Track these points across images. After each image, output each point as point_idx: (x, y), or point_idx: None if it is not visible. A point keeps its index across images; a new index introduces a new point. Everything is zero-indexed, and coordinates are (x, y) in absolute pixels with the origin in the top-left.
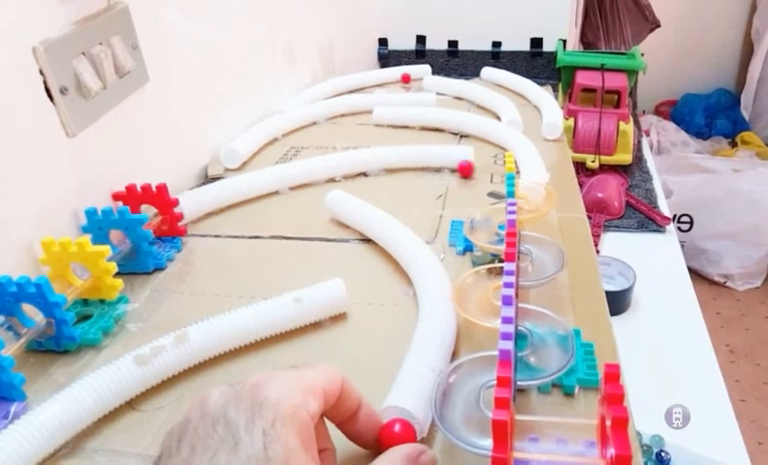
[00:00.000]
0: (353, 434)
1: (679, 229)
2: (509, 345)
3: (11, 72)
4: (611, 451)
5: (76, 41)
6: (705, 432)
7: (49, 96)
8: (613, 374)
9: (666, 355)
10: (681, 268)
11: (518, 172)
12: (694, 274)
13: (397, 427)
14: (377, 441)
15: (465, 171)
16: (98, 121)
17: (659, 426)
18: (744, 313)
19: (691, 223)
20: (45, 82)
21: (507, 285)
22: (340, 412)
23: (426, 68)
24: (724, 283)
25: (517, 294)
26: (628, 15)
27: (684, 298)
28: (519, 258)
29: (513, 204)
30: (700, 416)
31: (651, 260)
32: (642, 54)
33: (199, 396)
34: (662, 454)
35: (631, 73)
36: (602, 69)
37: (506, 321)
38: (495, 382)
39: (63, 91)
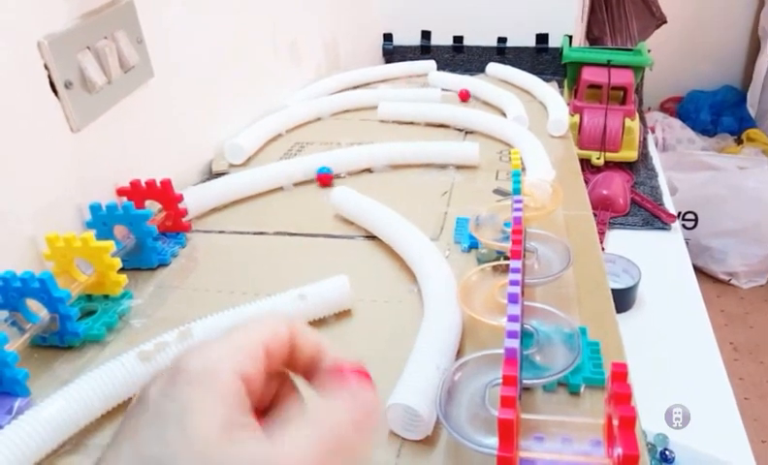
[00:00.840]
0: (322, 389)
1: (683, 226)
2: (515, 343)
3: (16, 66)
4: (618, 451)
5: (80, 35)
6: (709, 430)
7: (54, 90)
8: (620, 373)
9: (671, 352)
10: (686, 266)
11: (524, 169)
12: (699, 272)
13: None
14: None
15: (325, 181)
16: (102, 116)
17: (664, 425)
18: (748, 311)
19: (696, 220)
20: (49, 77)
21: (513, 283)
22: (298, 364)
23: (431, 63)
24: (729, 281)
25: (523, 292)
26: (635, 11)
27: (689, 296)
28: (525, 255)
29: (519, 201)
30: (704, 414)
31: (656, 257)
32: (648, 50)
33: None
34: (667, 453)
35: (638, 69)
36: (608, 65)
37: (512, 319)
38: (500, 380)
39: (68, 85)
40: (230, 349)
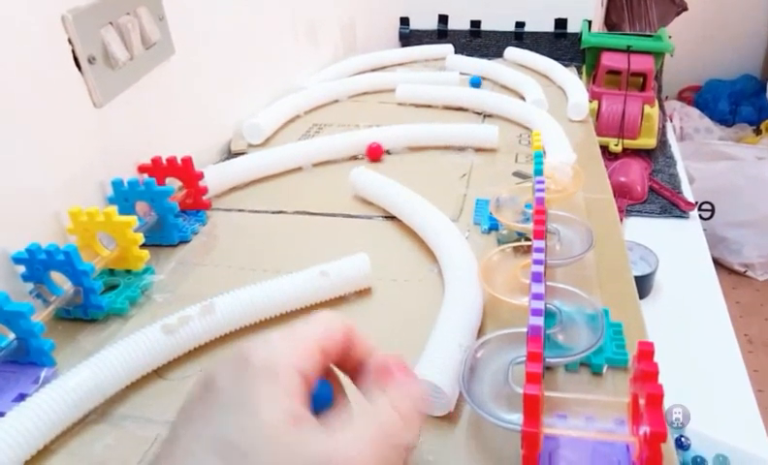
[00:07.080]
0: (365, 387)
1: (700, 216)
2: (540, 321)
3: (41, 40)
4: (645, 429)
5: (104, 10)
6: (725, 419)
7: (78, 65)
8: (647, 351)
9: (687, 341)
10: (704, 255)
11: (544, 152)
12: (714, 263)
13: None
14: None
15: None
16: (124, 92)
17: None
18: (763, 303)
19: (713, 210)
20: (73, 51)
21: (537, 262)
22: (348, 363)
23: (448, 47)
24: (744, 272)
25: (545, 272)
26: None
27: (706, 285)
28: (547, 236)
29: (542, 182)
30: (721, 403)
31: (673, 245)
32: (669, 36)
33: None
34: (682, 439)
35: (658, 55)
36: (628, 50)
37: (536, 297)
38: (524, 358)
39: (91, 60)
40: (291, 346)
